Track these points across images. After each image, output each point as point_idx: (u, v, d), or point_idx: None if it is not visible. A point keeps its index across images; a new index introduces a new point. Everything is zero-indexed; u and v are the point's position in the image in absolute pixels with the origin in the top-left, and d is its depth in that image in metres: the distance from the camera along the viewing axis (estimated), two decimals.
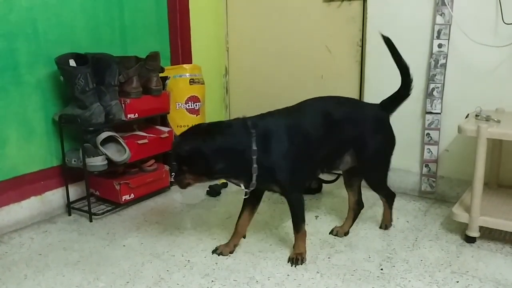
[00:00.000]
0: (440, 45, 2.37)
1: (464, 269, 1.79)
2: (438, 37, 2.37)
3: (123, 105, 2.38)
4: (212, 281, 1.73)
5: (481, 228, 1.98)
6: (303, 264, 1.84)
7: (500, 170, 2.30)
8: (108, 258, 1.92)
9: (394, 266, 1.82)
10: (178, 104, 2.77)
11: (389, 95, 2.03)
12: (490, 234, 2.05)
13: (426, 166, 2.51)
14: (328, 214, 2.34)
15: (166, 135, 2.62)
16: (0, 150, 2.15)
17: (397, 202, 2.47)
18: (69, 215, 2.38)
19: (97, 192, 2.47)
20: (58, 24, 2.32)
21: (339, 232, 2.09)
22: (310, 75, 2.96)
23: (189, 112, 2.78)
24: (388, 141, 2.05)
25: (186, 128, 2.71)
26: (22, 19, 2.17)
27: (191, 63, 2.97)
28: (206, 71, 2.96)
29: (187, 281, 1.73)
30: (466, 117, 2.14)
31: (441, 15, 2.34)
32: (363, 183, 2.11)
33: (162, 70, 2.60)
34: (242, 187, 1.82)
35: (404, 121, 2.55)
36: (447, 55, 2.37)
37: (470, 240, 2.00)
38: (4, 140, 2.16)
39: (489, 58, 2.28)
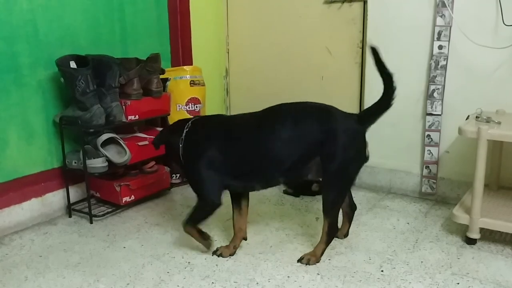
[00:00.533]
0: (440, 47, 2.37)
1: (465, 270, 1.79)
2: (438, 39, 2.37)
3: (123, 106, 2.38)
4: (213, 283, 1.73)
5: (481, 230, 1.97)
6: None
7: (501, 172, 2.30)
8: (108, 260, 1.92)
9: (394, 267, 1.82)
10: (179, 106, 2.77)
11: (369, 106, 1.88)
12: (490, 236, 2.05)
13: (427, 167, 2.51)
14: None
15: None
16: (0, 151, 2.15)
17: (398, 204, 2.49)
18: (70, 216, 2.38)
19: (98, 193, 2.48)
20: (59, 26, 2.32)
21: (339, 235, 2.07)
22: (310, 76, 2.96)
23: (189, 114, 2.78)
24: (355, 158, 1.83)
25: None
26: (23, 21, 2.17)
27: (192, 65, 2.97)
28: (206, 73, 2.96)
29: (188, 283, 1.73)
30: (467, 118, 2.14)
31: (441, 16, 2.34)
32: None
33: (162, 71, 2.59)
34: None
35: (404, 123, 2.56)
36: (447, 56, 2.37)
37: (470, 241, 1.99)
38: (5, 141, 2.17)
39: (490, 59, 2.28)
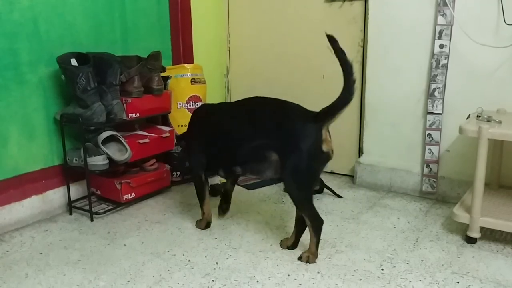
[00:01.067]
0: (441, 46, 2.37)
1: (465, 269, 1.79)
2: (439, 38, 2.37)
3: (124, 104, 2.38)
4: (213, 280, 1.73)
5: (482, 229, 1.97)
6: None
7: (501, 171, 2.30)
8: (109, 257, 1.92)
9: (394, 266, 1.82)
10: (180, 104, 2.77)
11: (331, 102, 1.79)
12: (491, 235, 2.05)
13: (427, 166, 2.51)
14: (329, 214, 2.34)
15: (168, 134, 2.62)
16: (1, 149, 2.15)
17: (398, 203, 2.49)
18: (70, 214, 2.38)
19: (98, 191, 2.48)
20: (60, 23, 2.32)
21: (282, 244, 2.00)
22: (311, 75, 2.96)
23: (190, 112, 2.77)
24: (310, 156, 1.77)
25: (187, 128, 2.75)
26: (23, 18, 2.17)
27: (193, 63, 2.97)
28: (207, 71, 2.96)
29: (188, 280, 1.73)
30: (468, 117, 2.14)
31: (442, 15, 2.34)
32: None
33: (163, 69, 2.60)
34: None
35: (405, 122, 2.56)
36: (448, 55, 2.37)
37: (471, 240, 1.99)
38: (6, 139, 2.17)
39: (491, 58, 2.28)
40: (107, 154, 2.28)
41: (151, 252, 1.96)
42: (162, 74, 2.60)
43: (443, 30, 2.35)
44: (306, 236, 1.99)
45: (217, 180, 2.75)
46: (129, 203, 2.45)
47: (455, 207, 2.07)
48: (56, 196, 2.38)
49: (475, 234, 1.97)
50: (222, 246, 2.01)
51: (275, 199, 2.54)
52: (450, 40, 2.35)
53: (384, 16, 2.54)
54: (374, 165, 2.71)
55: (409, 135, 2.56)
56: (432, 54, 2.40)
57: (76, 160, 2.33)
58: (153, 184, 2.56)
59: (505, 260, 1.86)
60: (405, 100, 2.55)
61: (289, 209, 2.39)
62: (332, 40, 1.76)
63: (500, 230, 2.00)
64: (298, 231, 1.96)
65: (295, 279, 1.73)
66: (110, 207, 2.40)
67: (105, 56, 2.31)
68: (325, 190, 2.63)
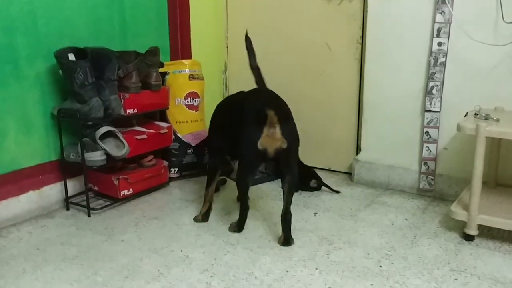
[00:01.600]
0: (440, 43, 2.37)
1: (463, 267, 1.80)
2: (438, 35, 2.37)
3: (122, 99, 2.37)
4: (211, 276, 1.73)
5: (479, 226, 1.98)
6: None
7: (499, 169, 2.30)
8: (106, 253, 1.92)
9: (392, 263, 1.83)
10: (177, 100, 2.76)
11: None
12: (488, 233, 2.06)
13: (425, 164, 2.52)
14: (327, 211, 2.34)
15: (165, 130, 2.61)
16: None
17: (396, 200, 2.49)
18: (67, 209, 2.37)
19: (96, 187, 2.47)
20: (58, 18, 2.31)
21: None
22: (310, 72, 2.96)
23: (188, 108, 2.78)
24: (245, 146, 1.93)
25: (185, 124, 2.75)
26: (21, 13, 2.15)
27: (191, 59, 2.96)
28: (205, 67, 2.95)
29: (186, 276, 1.73)
30: (465, 115, 2.14)
31: (441, 13, 2.34)
32: None
33: (161, 65, 2.58)
34: None
35: (403, 119, 2.56)
36: (446, 53, 2.37)
37: (468, 238, 2.00)
38: (3, 134, 2.15)
39: (489, 56, 2.28)
40: (104, 149, 2.28)
41: (148, 248, 1.96)
42: (160, 70, 2.59)
43: (442, 28, 2.36)
44: (299, 235, 2.00)
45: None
46: (127, 199, 2.45)
47: (453, 205, 2.07)
48: (53, 191, 2.37)
49: (472, 231, 1.98)
50: (220, 242, 2.00)
51: (273, 196, 2.54)
52: (448, 38, 2.35)
53: (383, 14, 2.53)
54: (372, 162, 2.72)
55: (407, 132, 2.56)
56: (430, 51, 2.41)
57: (73, 155, 2.32)
58: (150, 180, 2.55)
59: (502, 257, 1.87)
60: (403, 97, 2.55)
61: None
62: (248, 40, 2.16)
63: (497, 228, 2.00)
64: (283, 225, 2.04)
65: (294, 275, 1.73)
66: (108, 203, 2.39)
67: (103, 51, 2.30)
68: (323, 187, 2.63)
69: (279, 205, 2.39)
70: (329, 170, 3.00)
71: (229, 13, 3.24)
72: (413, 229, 2.13)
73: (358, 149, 2.83)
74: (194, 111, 2.79)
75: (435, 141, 2.47)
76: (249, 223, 2.17)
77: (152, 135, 2.52)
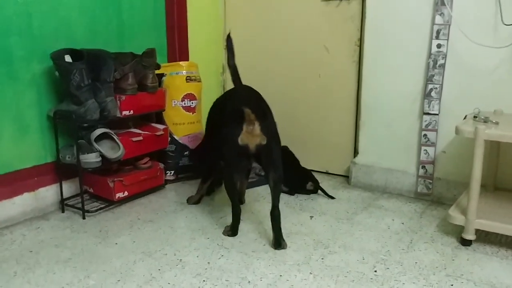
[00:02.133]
0: (439, 45, 2.35)
1: (459, 272, 1.77)
2: (437, 37, 2.35)
3: (118, 101, 2.36)
4: (204, 280, 1.71)
5: (477, 231, 1.95)
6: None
7: (498, 173, 2.28)
8: (99, 256, 1.90)
9: (388, 268, 1.80)
10: (174, 102, 2.74)
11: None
12: (486, 237, 2.03)
13: (423, 167, 2.49)
14: (323, 215, 2.32)
15: (161, 132, 2.60)
16: None
17: (393, 204, 2.47)
18: (63, 212, 2.36)
19: (91, 189, 2.45)
20: (54, 19, 2.29)
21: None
22: (308, 74, 2.94)
23: (185, 110, 2.76)
24: (226, 141, 1.98)
25: (182, 126, 2.74)
26: (16, 14, 2.14)
27: (188, 61, 2.95)
28: (203, 69, 2.94)
29: (179, 280, 1.71)
30: (464, 118, 2.12)
31: (440, 15, 2.32)
32: None
33: (158, 67, 2.57)
34: None
35: (401, 122, 2.54)
36: (446, 55, 2.35)
37: (466, 243, 1.97)
38: None
39: (488, 59, 2.26)
40: (100, 151, 2.26)
41: (142, 251, 1.94)
42: (157, 72, 2.58)
43: (441, 30, 2.33)
44: (294, 239, 1.98)
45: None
46: (122, 201, 2.43)
47: (451, 209, 2.05)
48: (48, 193, 2.35)
49: (470, 236, 1.95)
50: (214, 245, 1.99)
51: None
52: (447, 40, 2.33)
53: (381, 15, 2.51)
54: (369, 165, 2.69)
55: (405, 135, 2.54)
56: (430, 53, 2.38)
57: (69, 157, 2.30)
58: (146, 182, 2.54)
59: (499, 262, 1.84)
60: (401, 100, 2.53)
61: (283, 209, 2.36)
62: (229, 39, 2.14)
63: (495, 233, 1.97)
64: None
65: (287, 280, 1.71)
66: (103, 205, 2.38)
67: (99, 52, 2.29)
68: (319, 191, 2.61)
69: None
70: (327, 173, 2.98)
71: (227, 14, 3.23)
72: (410, 233, 2.11)
73: (355, 152, 2.80)
74: (191, 113, 2.78)
75: (433, 144, 2.45)
76: (244, 226, 2.15)
77: (148, 137, 2.51)
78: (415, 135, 2.51)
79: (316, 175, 2.70)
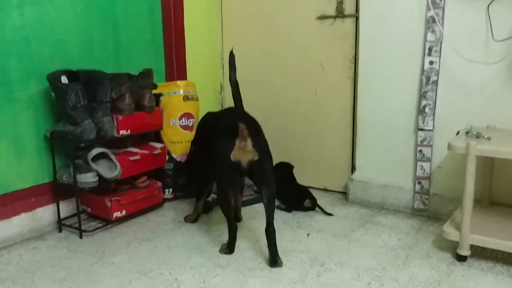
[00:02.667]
0: (431, 62, 2.38)
1: None
2: (429, 54, 2.38)
3: (115, 121, 2.38)
4: None
5: (472, 247, 1.95)
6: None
7: (493, 187, 2.28)
8: (95, 276, 1.91)
9: (383, 285, 1.80)
10: (172, 121, 2.77)
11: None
12: (481, 253, 2.03)
13: (419, 183, 2.50)
14: (320, 232, 2.32)
15: (159, 151, 2.62)
16: None
17: (390, 220, 2.47)
18: (60, 231, 2.37)
19: (89, 208, 2.47)
20: (52, 41, 2.33)
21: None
22: (304, 91, 2.97)
23: (183, 129, 2.78)
24: (218, 157, 2.00)
25: (179, 145, 2.76)
26: (15, 37, 2.18)
27: (186, 80, 2.98)
28: (201, 88, 2.97)
29: None
30: (457, 134, 2.13)
31: (432, 32, 2.35)
32: None
33: (155, 87, 2.60)
34: None
35: (396, 138, 2.56)
36: (438, 71, 2.37)
37: (461, 258, 1.97)
38: None
39: (480, 75, 2.28)
40: (97, 171, 2.28)
41: (138, 271, 1.94)
42: (154, 91, 2.60)
43: (433, 47, 2.36)
44: (290, 257, 1.98)
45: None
46: (120, 220, 2.44)
47: (445, 224, 2.05)
48: (45, 213, 2.37)
49: (465, 252, 1.95)
50: (210, 264, 1.99)
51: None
52: (439, 56, 2.36)
53: (374, 33, 2.55)
54: (366, 181, 2.70)
55: (401, 151, 2.55)
56: (422, 70, 2.41)
57: (66, 177, 2.32)
58: (144, 201, 2.55)
59: (494, 278, 1.84)
60: (396, 116, 2.54)
61: (280, 227, 2.38)
62: (231, 55, 2.18)
63: (490, 248, 1.97)
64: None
65: None
66: (100, 225, 2.39)
67: (96, 73, 2.32)
68: (317, 208, 2.61)
69: None
70: (325, 189, 2.98)
71: (225, 33, 3.27)
72: (406, 250, 2.11)
73: (353, 168, 2.81)
74: (189, 131, 2.80)
75: (428, 160, 2.46)
76: (241, 243, 2.15)
77: (145, 156, 2.53)
78: (411, 151, 2.52)
79: (314, 192, 2.71)
